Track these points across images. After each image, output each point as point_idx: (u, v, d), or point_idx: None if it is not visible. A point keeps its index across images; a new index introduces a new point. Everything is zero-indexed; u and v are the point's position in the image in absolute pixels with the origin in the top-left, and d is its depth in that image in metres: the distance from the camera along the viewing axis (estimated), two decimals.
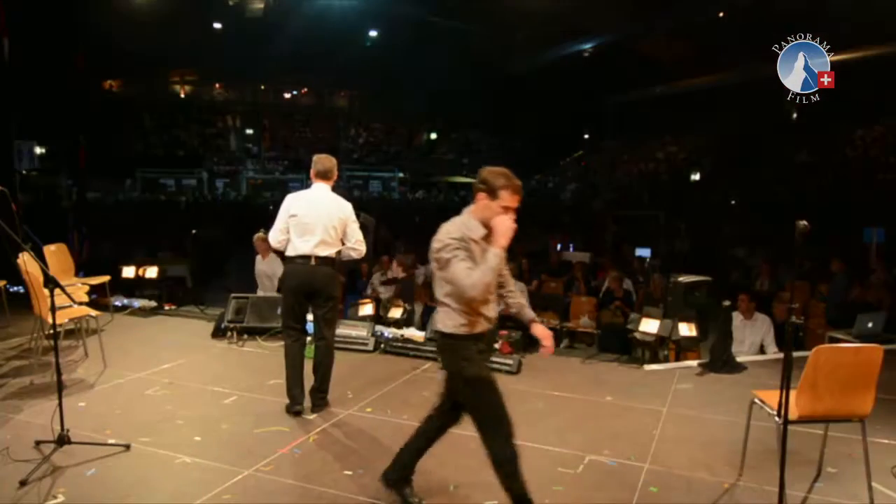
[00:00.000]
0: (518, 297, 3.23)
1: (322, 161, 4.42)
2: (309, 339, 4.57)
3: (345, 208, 4.33)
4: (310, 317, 4.48)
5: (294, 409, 4.27)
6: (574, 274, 9.62)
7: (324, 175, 4.38)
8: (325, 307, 4.31)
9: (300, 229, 4.22)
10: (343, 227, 4.31)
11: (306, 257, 4.20)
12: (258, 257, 7.68)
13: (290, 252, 4.27)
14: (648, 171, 25.18)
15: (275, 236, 4.35)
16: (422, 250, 12.38)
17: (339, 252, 4.32)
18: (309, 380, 4.42)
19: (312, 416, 4.31)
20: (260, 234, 7.37)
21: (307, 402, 4.38)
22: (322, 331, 4.36)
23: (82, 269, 8.39)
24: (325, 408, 4.42)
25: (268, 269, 7.56)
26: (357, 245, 4.38)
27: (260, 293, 7.36)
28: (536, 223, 18.69)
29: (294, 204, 4.28)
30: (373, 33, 20.97)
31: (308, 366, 4.44)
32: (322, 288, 4.26)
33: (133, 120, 29.84)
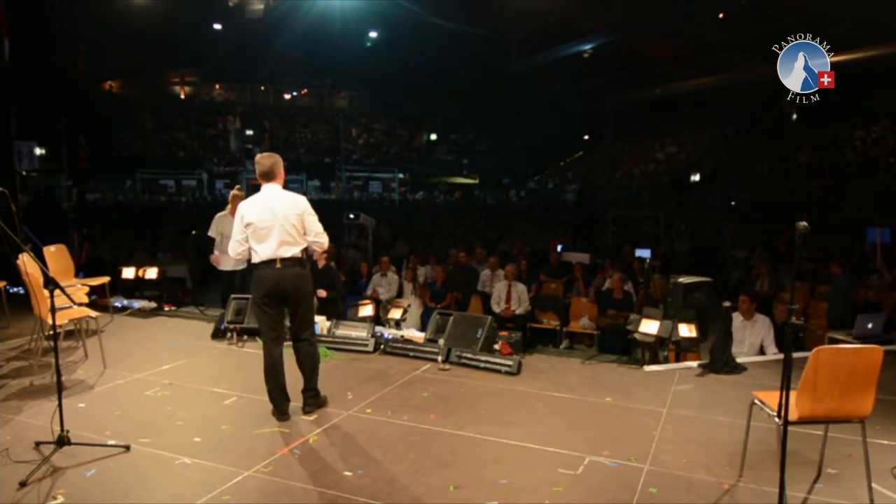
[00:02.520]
0: None
1: (262, 162, 4.26)
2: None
3: (299, 203, 4.21)
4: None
5: (281, 418, 4.20)
6: (574, 275, 9.62)
7: (269, 175, 4.24)
8: (300, 309, 4.23)
9: (257, 237, 4.12)
10: (301, 223, 4.19)
11: (271, 261, 4.11)
12: (222, 217, 7.05)
13: (254, 259, 4.18)
14: (648, 172, 25.22)
15: (233, 248, 4.22)
16: (421, 250, 12.39)
17: (305, 250, 4.23)
18: (297, 384, 4.35)
19: (312, 417, 4.28)
20: (240, 192, 6.98)
21: (299, 403, 4.32)
22: (299, 333, 4.26)
23: (82, 270, 8.40)
24: (317, 407, 4.34)
25: None
26: (317, 237, 4.25)
27: (224, 266, 7.01)
28: (537, 224, 18.73)
29: (248, 213, 4.16)
30: (373, 34, 20.99)
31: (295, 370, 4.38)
32: (293, 290, 4.16)
33: (133, 121, 29.89)
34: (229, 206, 6.96)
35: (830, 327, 6.86)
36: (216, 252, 7.06)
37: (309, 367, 4.31)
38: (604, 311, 8.34)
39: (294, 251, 4.15)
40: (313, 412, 4.30)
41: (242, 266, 6.89)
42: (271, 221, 4.11)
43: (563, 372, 5.51)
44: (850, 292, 7.92)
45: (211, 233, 7.10)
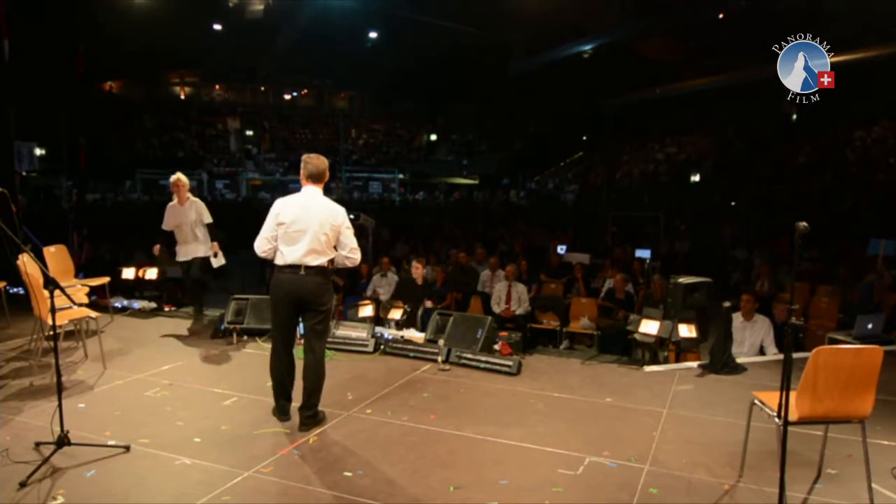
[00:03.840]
0: None
1: (314, 162, 4.10)
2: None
3: (338, 215, 4.05)
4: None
5: (282, 418, 4.17)
6: (574, 275, 9.62)
7: (316, 177, 4.08)
8: (316, 318, 4.07)
9: (288, 238, 3.98)
10: (336, 235, 4.04)
11: (295, 266, 3.96)
12: (172, 206, 6.73)
13: (278, 261, 4.02)
14: (648, 173, 25.22)
15: (260, 245, 4.06)
16: (421, 251, 12.38)
17: (331, 261, 4.10)
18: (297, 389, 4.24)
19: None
20: (181, 177, 6.71)
21: (295, 419, 4.18)
22: (311, 342, 4.11)
23: (82, 271, 8.39)
24: (313, 426, 4.11)
25: (192, 215, 6.71)
26: (352, 254, 4.10)
27: (184, 257, 6.75)
28: (537, 224, 18.73)
29: (283, 211, 4.01)
30: (373, 34, 20.99)
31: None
32: (312, 298, 4.01)
33: (133, 121, 29.88)
34: (177, 194, 6.72)
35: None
36: (178, 245, 6.82)
37: (311, 382, 4.12)
38: (608, 312, 8.33)
39: (320, 261, 4.00)
40: (311, 429, 4.11)
41: (191, 256, 6.73)
42: (305, 226, 3.96)
43: (563, 372, 5.52)
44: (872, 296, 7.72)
45: (164, 226, 6.81)
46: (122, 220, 18.43)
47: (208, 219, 6.79)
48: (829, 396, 3.03)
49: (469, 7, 17.31)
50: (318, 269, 4.02)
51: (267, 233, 4.06)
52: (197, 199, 6.81)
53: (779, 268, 9.98)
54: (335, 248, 4.12)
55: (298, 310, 4.10)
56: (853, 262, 10.19)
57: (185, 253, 6.81)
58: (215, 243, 6.81)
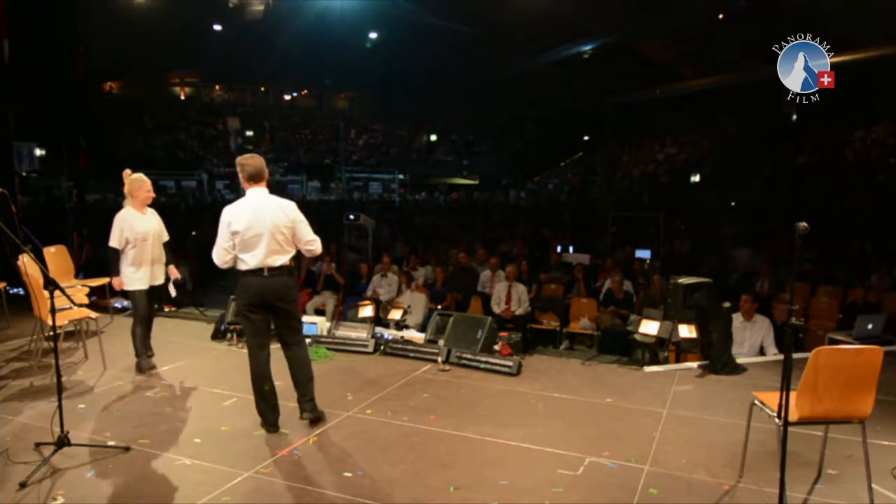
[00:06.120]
0: None
1: (250, 163, 4.05)
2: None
3: (289, 210, 4.03)
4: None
5: (270, 430, 4.07)
6: (574, 275, 9.61)
7: (257, 178, 4.04)
8: (286, 316, 4.11)
9: (246, 245, 3.95)
10: (292, 231, 4.04)
11: (259, 270, 3.97)
12: (129, 213, 5.30)
13: (241, 266, 4.02)
14: (648, 173, 25.21)
15: (220, 256, 4.00)
16: (421, 251, 12.37)
17: (294, 257, 4.10)
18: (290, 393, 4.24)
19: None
20: (143, 176, 5.52)
21: (289, 423, 4.16)
22: (288, 339, 4.16)
23: (82, 271, 8.39)
24: (316, 413, 4.17)
25: (154, 225, 5.44)
26: (309, 245, 4.10)
27: (153, 281, 5.38)
28: (537, 224, 18.72)
29: (234, 220, 3.96)
30: (373, 35, 21.01)
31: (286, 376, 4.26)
32: (280, 297, 4.03)
33: (133, 121, 29.89)
34: (135, 200, 5.40)
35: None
36: (122, 273, 5.30)
37: (304, 377, 4.15)
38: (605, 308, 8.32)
39: (283, 260, 4.01)
40: (311, 419, 4.14)
41: (159, 281, 5.49)
42: (260, 230, 3.94)
43: (563, 373, 5.51)
44: None
45: (115, 243, 5.24)
46: None
47: (167, 235, 5.67)
48: (829, 397, 3.03)
49: (469, 7, 17.32)
50: (282, 269, 4.02)
51: (223, 243, 4.01)
52: (154, 212, 5.63)
53: (779, 268, 9.98)
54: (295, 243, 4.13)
55: (266, 310, 4.08)
56: (853, 262, 10.19)
57: (153, 276, 5.42)
58: (172, 266, 5.68)
